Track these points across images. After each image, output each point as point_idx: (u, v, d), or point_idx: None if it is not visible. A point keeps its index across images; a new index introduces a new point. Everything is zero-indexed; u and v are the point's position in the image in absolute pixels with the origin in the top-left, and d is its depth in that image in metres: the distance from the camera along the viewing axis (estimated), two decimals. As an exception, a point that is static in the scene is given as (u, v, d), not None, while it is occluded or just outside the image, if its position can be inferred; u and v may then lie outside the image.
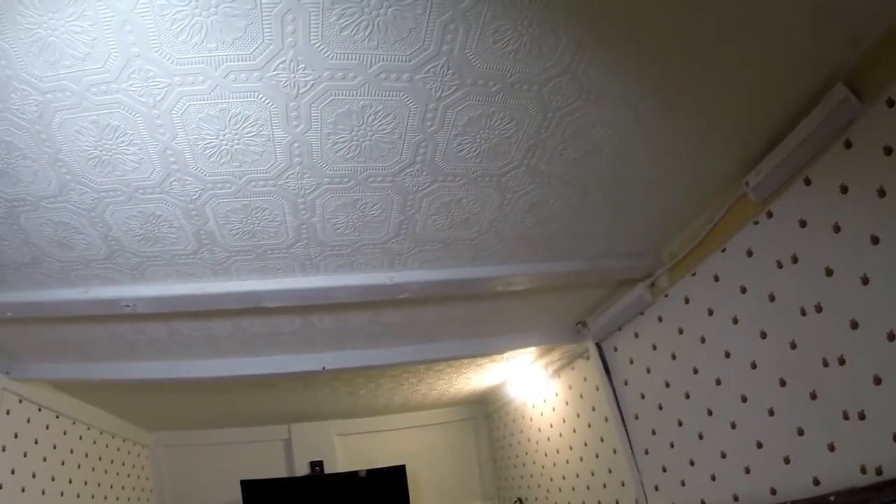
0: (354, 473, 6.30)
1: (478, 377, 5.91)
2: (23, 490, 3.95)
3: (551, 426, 5.49)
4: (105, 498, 5.15)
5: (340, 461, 6.81)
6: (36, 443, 4.24)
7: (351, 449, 6.93)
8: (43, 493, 4.21)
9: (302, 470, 6.71)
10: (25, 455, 4.07)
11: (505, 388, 6.33)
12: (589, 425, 4.72)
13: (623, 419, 4.08)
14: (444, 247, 2.95)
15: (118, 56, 1.74)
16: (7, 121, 1.92)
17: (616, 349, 4.15)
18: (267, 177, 2.28)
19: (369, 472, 6.25)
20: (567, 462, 5.23)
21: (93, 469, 5.04)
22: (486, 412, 7.35)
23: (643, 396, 3.86)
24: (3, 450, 3.81)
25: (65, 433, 4.68)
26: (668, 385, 3.55)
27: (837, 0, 1.88)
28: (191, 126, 2.01)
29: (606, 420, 4.35)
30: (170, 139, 2.05)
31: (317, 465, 6.67)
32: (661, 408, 3.67)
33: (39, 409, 4.34)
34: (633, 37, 1.88)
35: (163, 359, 4.06)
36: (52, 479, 4.36)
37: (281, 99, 1.94)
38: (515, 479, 6.58)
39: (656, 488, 3.80)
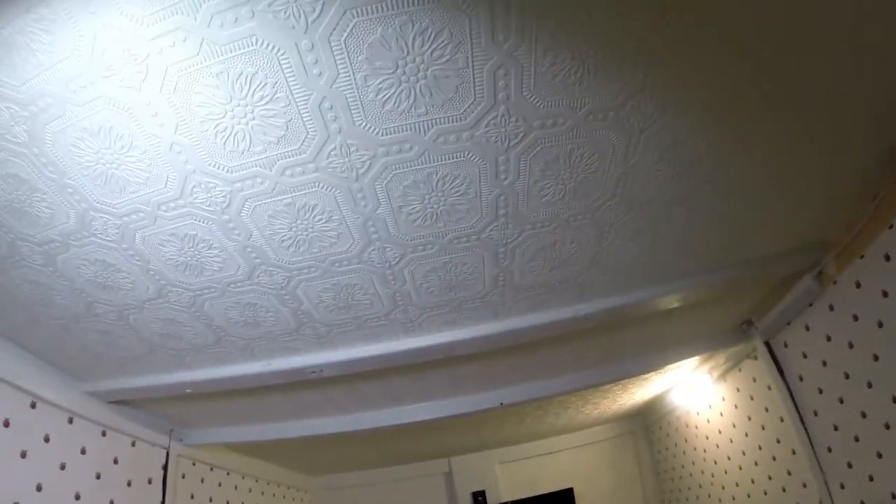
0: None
1: (641, 391, 5.62)
2: (202, 546, 4.25)
3: (719, 432, 5.11)
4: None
5: (503, 489, 6.71)
6: (210, 501, 4.55)
7: (513, 476, 6.81)
8: (220, 546, 4.51)
9: (464, 501, 6.69)
10: (202, 513, 4.37)
11: (666, 399, 5.99)
12: (763, 427, 4.37)
13: (801, 417, 3.75)
14: (629, 273, 2.76)
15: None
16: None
17: (786, 345, 3.81)
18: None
19: (537, 497, 6.09)
20: (740, 468, 4.84)
21: (263, 517, 5.34)
22: (646, 424, 6.99)
23: (821, 391, 3.51)
24: (182, 511, 4.10)
25: (235, 488, 5.00)
26: (847, 376, 3.21)
27: None
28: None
29: (782, 420, 4.00)
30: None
31: (479, 496, 6.60)
32: (841, 401, 3.32)
33: (211, 469, 4.65)
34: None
35: (338, 413, 4.18)
36: (228, 533, 4.66)
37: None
38: (682, 491, 6.17)
39: (842, 486, 3.43)
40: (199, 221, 1.95)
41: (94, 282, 2.24)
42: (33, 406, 2.80)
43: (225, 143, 1.67)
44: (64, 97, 1.54)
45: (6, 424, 2.59)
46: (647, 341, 3.94)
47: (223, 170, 1.76)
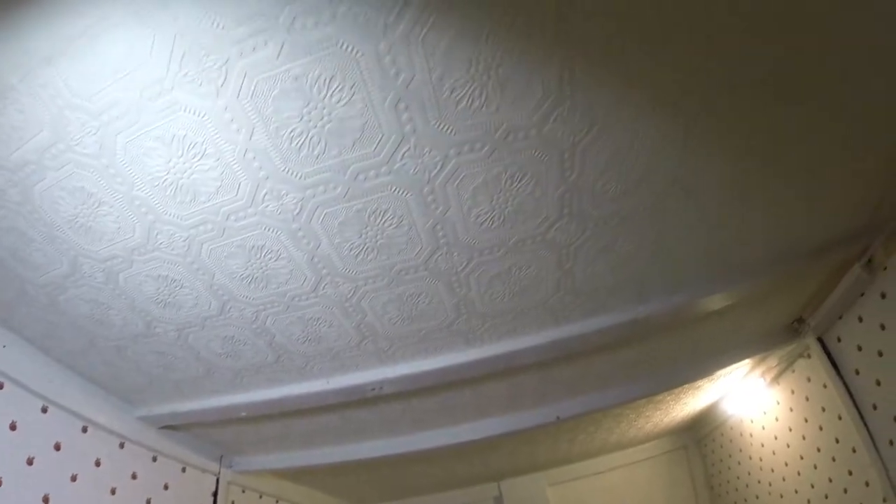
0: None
1: (693, 400, 5.45)
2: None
3: (776, 438, 4.95)
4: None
5: (555, 512, 6.52)
6: (258, 527, 4.48)
7: (564, 497, 6.59)
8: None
9: (516, 527, 6.48)
10: (250, 540, 4.32)
11: (718, 408, 5.81)
12: (820, 428, 4.22)
13: (860, 412, 3.63)
14: (684, 273, 2.69)
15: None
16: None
17: (840, 339, 3.71)
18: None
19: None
20: (798, 474, 4.66)
21: (310, 543, 5.27)
22: (697, 438, 6.80)
23: (879, 383, 3.40)
24: (232, 538, 4.06)
25: (283, 515, 4.93)
26: None
27: None
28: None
29: (840, 418, 3.87)
30: (442, 213, 1.99)
31: (531, 520, 6.42)
32: None
33: (260, 497, 4.60)
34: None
35: (391, 435, 4.09)
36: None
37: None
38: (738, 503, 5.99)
39: (907, 480, 3.29)
40: (268, 231, 1.93)
41: (156, 299, 2.23)
42: (84, 430, 2.79)
43: (300, 147, 1.65)
44: (139, 105, 1.53)
45: (57, 448, 2.58)
46: (697, 346, 3.86)
47: (296, 176, 1.73)
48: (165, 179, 1.72)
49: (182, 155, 1.65)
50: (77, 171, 1.69)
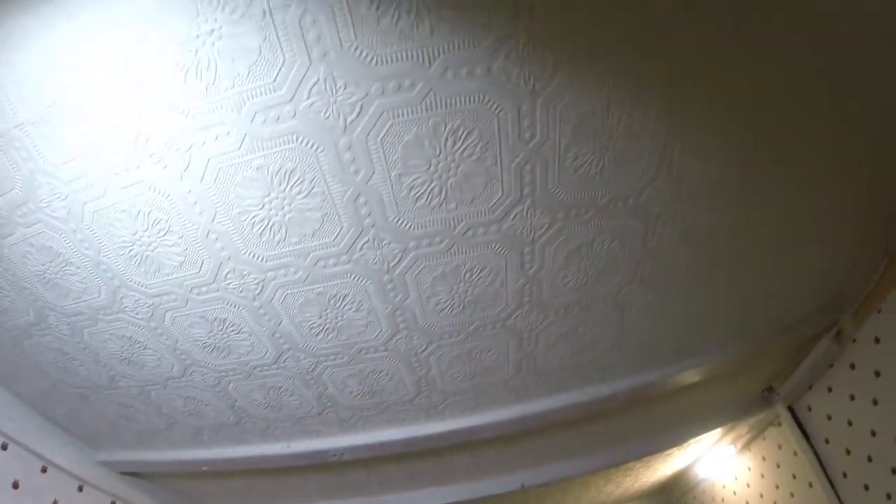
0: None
1: (664, 466, 5.40)
2: None
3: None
4: None
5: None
6: (216, 577, 4.37)
7: (531, 561, 6.48)
8: None
9: None
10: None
11: (689, 473, 5.75)
12: (791, 495, 4.25)
13: (830, 481, 3.69)
14: (650, 351, 2.70)
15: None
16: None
17: (810, 408, 3.79)
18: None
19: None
20: None
21: None
22: (669, 503, 6.71)
23: (848, 452, 3.47)
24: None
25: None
26: (873, 434, 3.19)
27: None
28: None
29: (811, 485, 3.90)
30: (401, 300, 2.02)
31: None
32: (870, 459, 3.28)
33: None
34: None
35: (356, 496, 4.02)
36: None
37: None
38: (711, 573, 5.88)
39: (877, 547, 3.33)
40: (231, 306, 1.95)
41: (119, 356, 2.23)
42: (44, 471, 2.76)
43: (261, 233, 1.68)
44: (106, 179, 1.57)
45: (15, 486, 2.56)
46: (668, 417, 3.85)
47: (258, 258, 1.76)
48: (131, 250, 1.76)
49: (147, 230, 1.69)
50: (46, 231, 1.72)
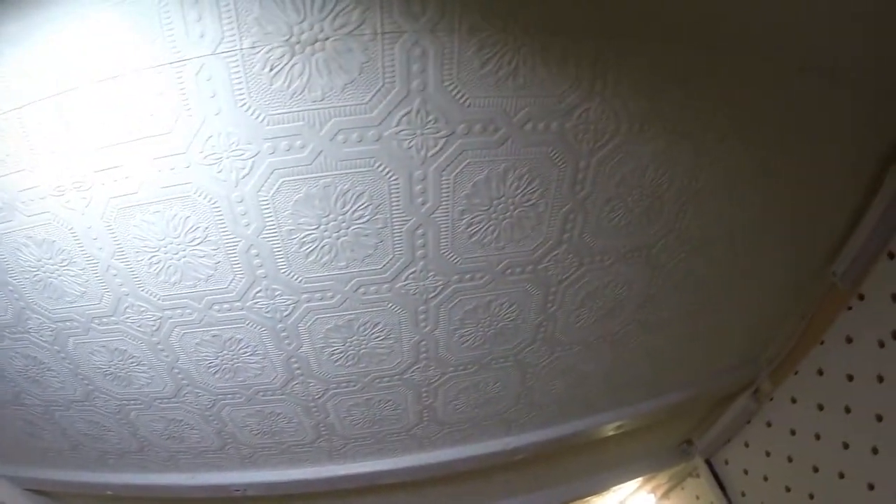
0: None
1: None
2: None
3: None
4: None
5: None
6: None
7: None
8: None
9: None
10: None
11: None
12: None
13: None
14: (559, 407, 2.80)
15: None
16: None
17: (727, 462, 3.88)
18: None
19: None
20: None
21: None
22: (589, 549, 6.68)
23: None
24: None
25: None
26: (788, 489, 3.27)
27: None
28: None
29: None
30: (295, 349, 2.07)
31: None
32: None
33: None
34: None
35: None
36: None
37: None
38: None
39: None
40: (130, 339, 2.00)
41: (25, 374, 2.26)
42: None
43: (158, 273, 1.75)
44: (14, 205, 1.62)
45: None
46: (585, 466, 3.89)
47: (155, 297, 1.83)
48: (36, 275, 1.81)
49: (52, 258, 1.74)
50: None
